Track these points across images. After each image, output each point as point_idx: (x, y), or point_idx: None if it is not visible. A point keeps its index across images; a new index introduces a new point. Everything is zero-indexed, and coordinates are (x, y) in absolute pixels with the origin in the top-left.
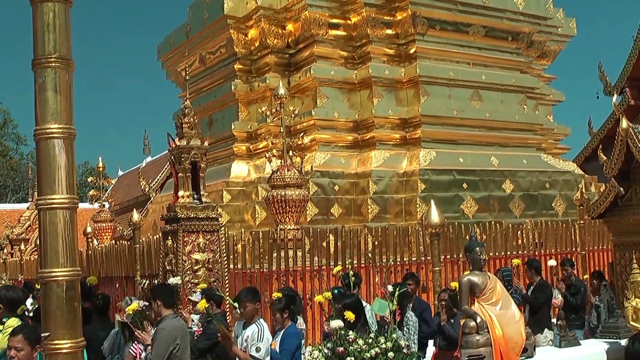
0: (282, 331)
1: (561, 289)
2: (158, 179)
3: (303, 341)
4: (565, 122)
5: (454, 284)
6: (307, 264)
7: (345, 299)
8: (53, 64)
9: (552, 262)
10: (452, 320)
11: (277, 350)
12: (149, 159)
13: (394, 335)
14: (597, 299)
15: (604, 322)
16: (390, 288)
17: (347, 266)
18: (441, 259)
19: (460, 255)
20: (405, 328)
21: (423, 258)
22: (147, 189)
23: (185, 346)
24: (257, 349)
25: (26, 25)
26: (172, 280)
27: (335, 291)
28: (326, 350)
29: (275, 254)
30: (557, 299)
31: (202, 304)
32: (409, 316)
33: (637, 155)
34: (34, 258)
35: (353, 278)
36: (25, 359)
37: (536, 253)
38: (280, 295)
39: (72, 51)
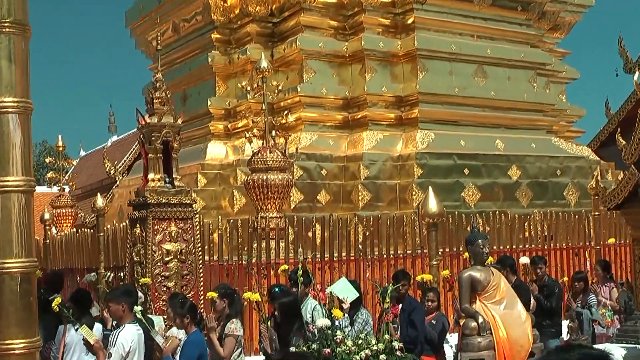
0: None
1: (534, 290)
2: (125, 161)
3: (240, 350)
4: (579, 102)
5: (423, 276)
6: (291, 256)
7: (282, 298)
8: (7, 30)
9: (524, 260)
10: (435, 322)
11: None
12: (114, 138)
13: (387, 336)
14: (579, 305)
15: (622, 324)
16: (332, 288)
17: (300, 261)
18: (439, 252)
19: (461, 249)
20: (355, 325)
21: (419, 251)
22: (112, 171)
23: None
24: (109, 355)
25: None
26: (88, 277)
27: (276, 290)
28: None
29: (255, 245)
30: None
31: (57, 302)
32: (361, 314)
33: None
34: None
35: (301, 277)
36: None
37: (545, 247)
38: (215, 294)
39: (28, 16)
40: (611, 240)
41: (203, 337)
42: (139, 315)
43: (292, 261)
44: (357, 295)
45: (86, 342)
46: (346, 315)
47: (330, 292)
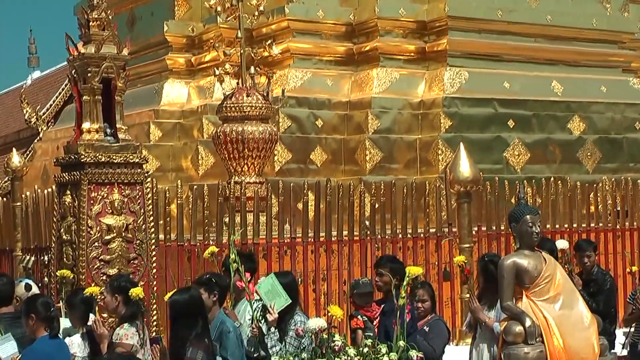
0: None
1: (577, 284)
2: (51, 105)
3: None
4: None
5: (411, 269)
6: (275, 234)
7: (176, 294)
8: None
9: (562, 244)
10: (427, 328)
11: None
12: (36, 74)
13: (401, 344)
14: None
15: None
16: (257, 287)
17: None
18: (473, 231)
19: (503, 227)
20: (288, 339)
21: (446, 229)
22: (33, 119)
23: None
24: None
25: None
26: None
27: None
28: None
29: (227, 219)
30: None
31: None
32: (294, 323)
33: None
34: None
35: (235, 264)
36: None
37: (617, 226)
38: (96, 289)
39: None
40: None
41: (55, 345)
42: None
43: (277, 242)
44: (289, 301)
45: None
46: (273, 328)
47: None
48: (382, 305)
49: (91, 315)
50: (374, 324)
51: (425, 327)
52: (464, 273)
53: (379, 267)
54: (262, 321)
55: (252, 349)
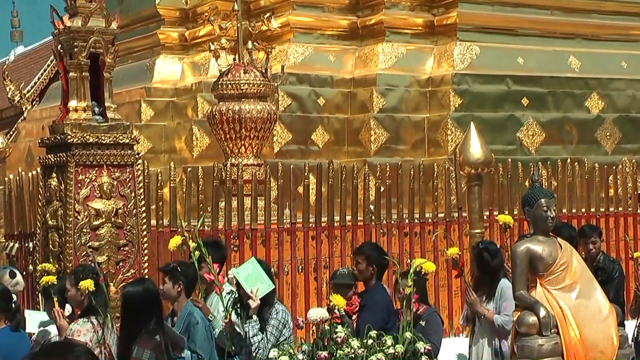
0: None
1: None
2: (35, 83)
3: None
4: None
5: (420, 262)
6: (274, 219)
7: (129, 286)
8: None
9: None
10: (424, 322)
11: None
12: (20, 49)
13: (407, 335)
14: None
15: None
16: (235, 273)
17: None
18: (484, 216)
19: (516, 211)
20: (268, 329)
21: (456, 214)
22: (16, 98)
23: None
24: None
25: None
26: None
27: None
28: (301, 356)
29: (223, 204)
30: None
31: None
32: (275, 312)
33: None
34: None
35: (197, 252)
36: None
37: (638, 210)
38: (52, 278)
39: None
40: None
41: (15, 338)
42: None
43: (276, 227)
44: (272, 286)
45: None
46: (254, 317)
47: (235, 278)
48: (361, 298)
49: (67, 306)
50: (353, 319)
51: (421, 322)
52: (458, 266)
53: (356, 254)
54: (238, 317)
55: (225, 343)
